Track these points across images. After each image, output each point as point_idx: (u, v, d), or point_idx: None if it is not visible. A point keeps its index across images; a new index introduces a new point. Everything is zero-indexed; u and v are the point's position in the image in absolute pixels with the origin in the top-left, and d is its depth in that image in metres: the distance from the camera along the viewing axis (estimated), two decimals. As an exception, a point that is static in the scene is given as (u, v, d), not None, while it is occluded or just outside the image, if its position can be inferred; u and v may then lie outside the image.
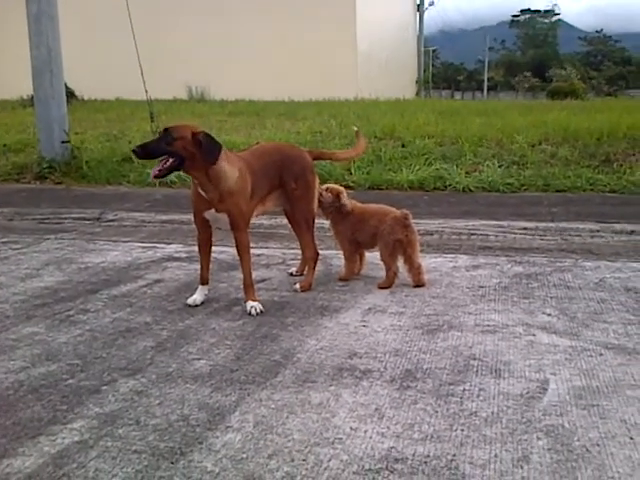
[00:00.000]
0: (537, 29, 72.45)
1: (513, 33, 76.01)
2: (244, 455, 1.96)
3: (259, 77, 19.50)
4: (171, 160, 3.07)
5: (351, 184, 6.39)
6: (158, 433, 2.09)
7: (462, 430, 2.09)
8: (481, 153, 7.42)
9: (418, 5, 34.25)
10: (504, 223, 5.06)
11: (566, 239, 4.70)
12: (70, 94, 12.43)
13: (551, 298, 3.41)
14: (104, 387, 2.42)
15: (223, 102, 15.37)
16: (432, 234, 4.88)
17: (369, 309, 3.28)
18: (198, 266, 3.47)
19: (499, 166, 6.91)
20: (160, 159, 3.10)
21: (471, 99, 40.37)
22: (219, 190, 3.16)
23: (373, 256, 3.84)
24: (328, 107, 13.00)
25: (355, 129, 4.14)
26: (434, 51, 50.20)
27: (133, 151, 3.13)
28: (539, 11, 75.71)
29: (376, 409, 2.23)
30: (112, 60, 18.24)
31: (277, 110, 12.46)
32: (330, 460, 1.93)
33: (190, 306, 3.34)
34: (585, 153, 7.27)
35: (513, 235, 4.83)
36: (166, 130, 3.10)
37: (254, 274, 3.44)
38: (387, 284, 3.63)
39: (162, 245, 4.70)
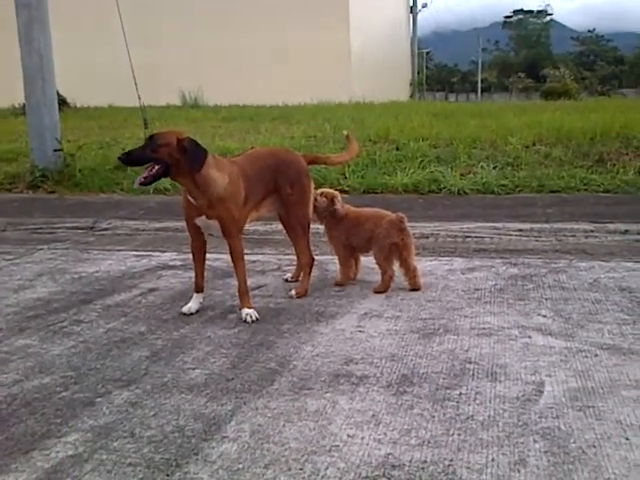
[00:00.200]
0: (530, 29, 72.57)
1: (506, 34, 76.16)
2: (240, 465, 1.94)
3: (252, 81, 19.51)
4: (157, 167, 3.06)
5: (346, 188, 6.38)
6: (153, 445, 2.07)
7: (459, 434, 2.08)
8: (475, 155, 7.42)
9: (411, 7, 34.41)
10: (499, 225, 5.06)
11: (560, 240, 4.71)
12: (62, 101, 12.41)
13: (546, 299, 3.41)
14: (98, 399, 2.41)
15: (217, 107, 15.37)
16: (427, 237, 4.88)
17: (365, 314, 3.27)
18: (193, 274, 3.46)
19: (493, 168, 6.92)
20: (146, 166, 3.09)
21: (465, 101, 40.46)
22: (208, 196, 3.14)
23: (369, 260, 3.83)
24: (322, 111, 13.00)
25: (345, 133, 4.13)
26: (428, 53, 50.33)
27: (119, 158, 3.12)
28: (532, 11, 75.89)
29: (373, 415, 2.22)
30: (104, 67, 18.27)
31: (271, 115, 12.46)
32: (327, 468, 1.92)
33: (185, 315, 3.33)
34: (579, 153, 7.28)
35: (508, 237, 4.83)
36: (151, 137, 3.09)
37: (249, 281, 3.43)
38: (383, 288, 3.63)
39: (157, 253, 4.68)
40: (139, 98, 5.60)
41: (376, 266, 3.68)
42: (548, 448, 1.99)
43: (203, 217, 3.21)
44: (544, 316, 3.16)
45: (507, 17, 77.15)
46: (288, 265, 4.15)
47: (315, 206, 3.71)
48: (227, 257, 3.43)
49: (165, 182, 6.42)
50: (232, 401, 2.36)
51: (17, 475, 1.93)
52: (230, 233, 3.24)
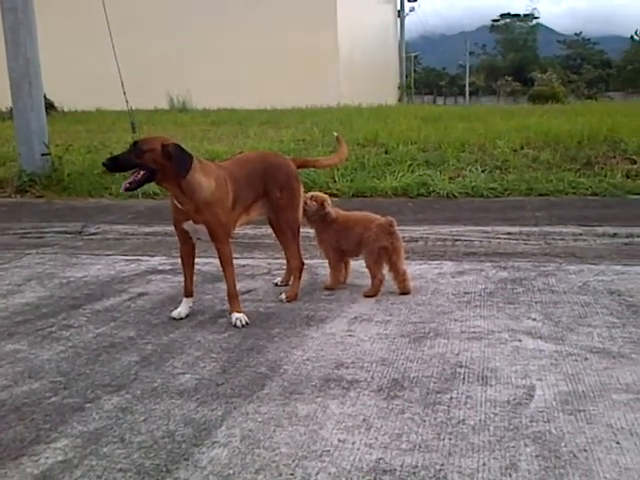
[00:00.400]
0: (517, 33, 72.93)
1: (493, 37, 76.51)
2: (231, 471, 1.93)
3: (241, 85, 19.49)
4: (142, 173, 3.05)
5: (335, 192, 6.38)
6: (143, 450, 2.06)
7: (450, 439, 2.08)
8: (464, 158, 7.46)
9: (399, 11, 34.53)
10: (488, 228, 5.08)
11: (550, 243, 4.73)
12: (49, 105, 12.34)
13: (536, 303, 3.42)
14: (88, 404, 2.39)
15: (205, 111, 15.36)
16: (417, 241, 4.88)
17: (355, 318, 3.27)
18: (182, 278, 3.44)
19: (482, 171, 6.95)
20: (132, 171, 3.08)
21: (453, 104, 40.60)
22: (194, 201, 3.12)
23: (359, 264, 3.83)
24: (311, 114, 13.01)
25: (335, 135, 4.13)
26: (416, 57, 50.52)
27: (103, 164, 3.11)
28: (519, 15, 76.30)
29: (364, 420, 2.22)
30: (92, 70, 18.16)
31: (260, 119, 12.46)
32: (318, 473, 1.91)
33: (175, 319, 3.31)
34: (566, 157, 7.33)
35: (497, 240, 4.85)
36: (136, 143, 3.08)
37: (239, 285, 3.42)
38: (373, 292, 3.63)
39: (146, 258, 4.66)
40: (127, 102, 5.58)
41: (366, 270, 3.68)
42: (539, 452, 1.99)
43: (190, 222, 3.20)
44: (534, 319, 3.17)
45: (494, 21, 77.50)
46: (278, 269, 4.14)
47: (305, 210, 3.70)
48: (216, 261, 3.42)
49: (154, 186, 6.38)
50: (222, 406, 2.35)
51: (6, 482, 1.91)
52: (218, 238, 3.23)
